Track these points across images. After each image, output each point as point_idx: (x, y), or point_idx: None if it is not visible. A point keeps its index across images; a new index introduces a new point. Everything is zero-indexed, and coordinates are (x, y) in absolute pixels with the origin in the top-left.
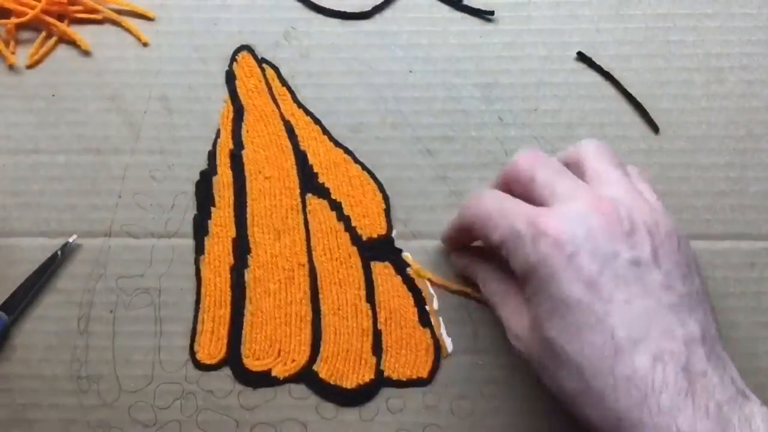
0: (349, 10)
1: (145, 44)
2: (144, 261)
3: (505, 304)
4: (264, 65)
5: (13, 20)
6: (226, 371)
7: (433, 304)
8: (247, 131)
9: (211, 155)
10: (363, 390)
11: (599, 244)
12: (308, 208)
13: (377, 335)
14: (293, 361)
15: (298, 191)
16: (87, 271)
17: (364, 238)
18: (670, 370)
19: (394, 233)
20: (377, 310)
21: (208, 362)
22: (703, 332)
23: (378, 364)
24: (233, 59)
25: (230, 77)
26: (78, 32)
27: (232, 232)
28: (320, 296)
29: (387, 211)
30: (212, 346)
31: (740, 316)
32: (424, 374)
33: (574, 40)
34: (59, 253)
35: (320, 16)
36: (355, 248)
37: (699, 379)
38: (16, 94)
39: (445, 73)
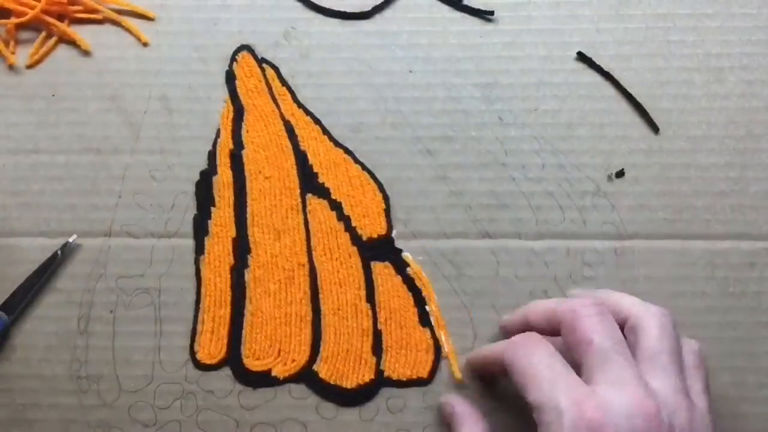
0: (349, 10)
1: (145, 44)
2: (144, 261)
3: None
4: (264, 65)
5: (13, 20)
6: (226, 371)
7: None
8: (247, 131)
9: (211, 155)
10: (363, 390)
11: None
12: (308, 208)
13: (377, 335)
14: (293, 361)
15: (298, 191)
16: (87, 271)
17: (364, 238)
18: None
19: (394, 233)
20: (377, 310)
21: (208, 362)
22: None
23: (378, 364)
24: (233, 59)
25: (230, 77)
26: (78, 32)
27: (232, 232)
28: (320, 296)
29: (387, 211)
30: (212, 346)
31: (740, 316)
32: (424, 374)
33: (574, 40)
34: (59, 252)
35: (320, 16)
36: (355, 248)
37: None
38: (16, 94)
39: (445, 73)
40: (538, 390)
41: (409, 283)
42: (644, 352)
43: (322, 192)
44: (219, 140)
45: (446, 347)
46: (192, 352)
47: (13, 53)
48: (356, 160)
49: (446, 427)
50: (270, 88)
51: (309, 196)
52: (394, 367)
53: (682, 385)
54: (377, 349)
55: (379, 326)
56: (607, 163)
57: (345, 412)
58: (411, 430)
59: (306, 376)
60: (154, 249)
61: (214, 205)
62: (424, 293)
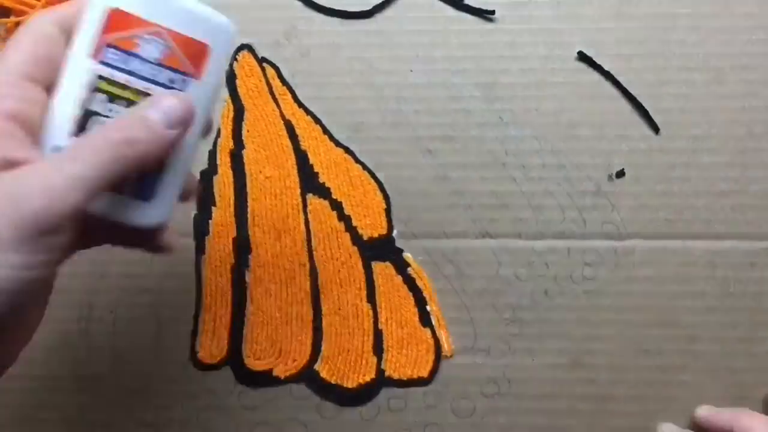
0: (349, 9)
1: None
2: (145, 261)
3: None
4: (264, 64)
5: (13, 19)
6: (227, 371)
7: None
8: (248, 131)
9: (212, 155)
10: (364, 389)
11: None
12: (309, 207)
13: (378, 335)
14: (294, 360)
15: (298, 191)
16: (87, 270)
17: (365, 237)
18: None
19: (394, 233)
20: (378, 309)
21: (209, 362)
22: None
23: (379, 363)
24: (234, 58)
25: (230, 76)
26: None
27: (233, 232)
28: (321, 296)
29: (388, 211)
30: (213, 346)
31: (740, 315)
32: (425, 374)
33: (575, 40)
34: None
35: (321, 16)
36: (355, 248)
37: None
38: None
39: (446, 73)
40: None
41: (410, 283)
42: None
43: (323, 192)
44: (219, 140)
45: (446, 347)
46: (193, 352)
47: None
48: (357, 160)
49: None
50: (270, 87)
51: (309, 195)
52: (394, 367)
53: None
54: (378, 348)
55: (380, 326)
56: (607, 162)
57: (346, 412)
58: (412, 429)
59: (307, 375)
60: None
61: (214, 205)
62: (424, 293)
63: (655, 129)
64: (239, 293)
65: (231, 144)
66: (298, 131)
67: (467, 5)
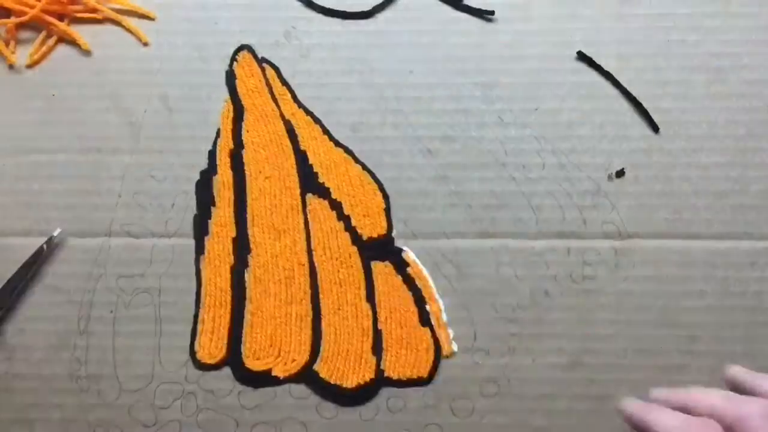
0: (349, 9)
1: (145, 44)
2: (144, 260)
3: None
4: (264, 65)
5: (13, 20)
6: (227, 371)
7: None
8: (247, 131)
9: (212, 155)
10: (363, 389)
11: None
12: (308, 207)
13: (377, 335)
14: (293, 360)
15: (298, 191)
16: (87, 270)
17: (365, 237)
18: None
19: (394, 233)
20: (377, 309)
21: (208, 362)
22: None
23: (378, 363)
24: (233, 59)
25: (230, 77)
26: (78, 32)
27: (233, 232)
28: (320, 296)
29: (387, 211)
30: (212, 346)
31: (740, 315)
32: (424, 374)
33: (575, 40)
34: (44, 246)
35: (320, 16)
36: (355, 248)
37: None
38: (16, 93)
39: (446, 73)
40: None
41: (409, 282)
42: None
43: (323, 192)
44: (219, 140)
45: (446, 346)
46: (192, 352)
47: (13, 53)
48: (356, 160)
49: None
50: (270, 87)
51: (309, 195)
52: (394, 367)
53: None
54: (377, 348)
55: (379, 326)
56: (607, 162)
57: (345, 412)
58: (411, 429)
59: (306, 375)
60: (155, 249)
61: (214, 205)
62: (423, 293)
63: (655, 129)
64: (239, 293)
65: (231, 144)
66: (297, 131)
67: (467, 5)
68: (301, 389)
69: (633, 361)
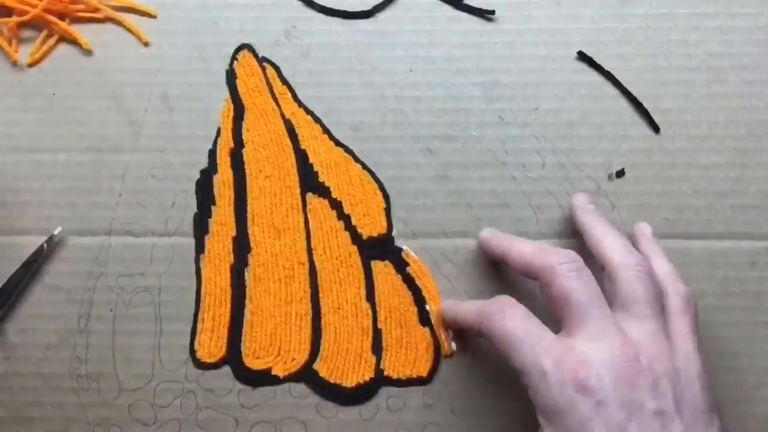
0: (349, 9)
1: (146, 43)
2: (144, 259)
3: None
4: (265, 64)
5: (15, 19)
6: (226, 370)
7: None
8: (248, 130)
9: (212, 154)
10: (363, 389)
11: (625, 392)
12: (308, 207)
13: (377, 334)
14: (293, 359)
15: (298, 190)
16: (87, 269)
17: (365, 237)
18: None
19: (394, 232)
20: (377, 309)
21: (208, 361)
22: None
23: (378, 363)
24: (234, 58)
25: (231, 76)
26: (79, 31)
27: (233, 231)
28: (320, 295)
29: (387, 210)
30: (212, 345)
31: (740, 315)
32: (424, 373)
33: (575, 40)
34: (44, 245)
35: (321, 15)
36: (355, 247)
37: None
38: (17, 92)
39: (446, 73)
40: (520, 354)
41: (409, 282)
42: (621, 301)
43: (323, 191)
44: (219, 139)
45: (446, 346)
46: (192, 351)
47: (16, 51)
48: (356, 159)
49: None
50: (270, 87)
51: (309, 195)
52: (393, 366)
53: (662, 330)
54: (377, 348)
55: (379, 325)
56: (607, 162)
57: (345, 411)
58: (411, 429)
59: (306, 375)
60: (155, 247)
61: (214, 204)
62: (423, 293)
63: (656, 129)
64: (239, 292)
65: (231, 143)
66: (298, 131)
67: (467, 5)
68: (300, 388)
69: None
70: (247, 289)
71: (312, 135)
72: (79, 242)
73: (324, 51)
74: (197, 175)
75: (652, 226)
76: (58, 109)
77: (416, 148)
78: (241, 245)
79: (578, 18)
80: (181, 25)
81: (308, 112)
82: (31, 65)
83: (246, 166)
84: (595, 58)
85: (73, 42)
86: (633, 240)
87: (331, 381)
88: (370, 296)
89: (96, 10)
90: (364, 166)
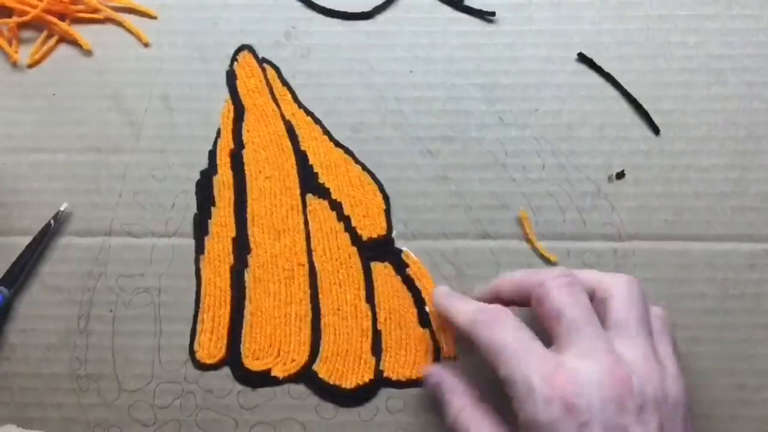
0: (350, 10)
1: (146, 44)
2: (144, 260)
3: None
4: (265, 65)
5: (15, 19)
6: (226, 371)
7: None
8: (248, 131)
9: (212, 155)
10: (362, 390)
11: (611, 416)
12: (308, 208)
13: (377, 335)
14: (293, 360)
15: (298, 191)
16: (87, 270)
17: (364, 238)
18: None
19: (394, 233)
20: (377, 310)
21: (207, 362)
22: None
23: (377, 364)
24: (234, 59)
25: (231, 77)
26: (79, 31)
27: (232, 232)
28: (320, 296)
29: (387, 212)
30: (212, 346)
31: (740, 317)
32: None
33: (575, 41)
34: (52, 222)
35: (321, 16)
36: (355, 248)
37: None
38: (17, 92)
39: (446, 74)
40: (508, 366)
41: (409, 283)
42: (613, 320)
43: (323, 192)
44: (219, 140)
45: (445, 348)
46: (191, 352)
47: (16, 52)
48: (356, 161)
49: (432, 400)
50: (271, 87)
51: (309, 196)
52: (393, 368)
53: (652, 351)
54: (377, 349)
55: (379, 326)
56: (607, 164)
57: (344, 412)
58: (410, 430)
59: (305, 376)
60: (154, 248)
61: (214, 205)
62: (423, 294)
63: (656, 130)
64: (238, 293)
65: (231, 144)
66: (298, 131)
67: (468, 6)
68: (300, 389)
69: None
70: (247, 290)
71: (312, 136)
72: (79, 242)
73: (324, 52)
74: (197, 176)
75: (652, 228)
76: (58, 110)
77: (416, 149)
78: (241, 246)
79: (578, 19)
80: (181, 26)
81: (308, 113)
82: (31, 66)
83: (246, 167)
84: (595, 60)
85: (73, 42)
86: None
87: (331, 382)
88: (370, 297)
89: (96, 10)
90: (364, 168)
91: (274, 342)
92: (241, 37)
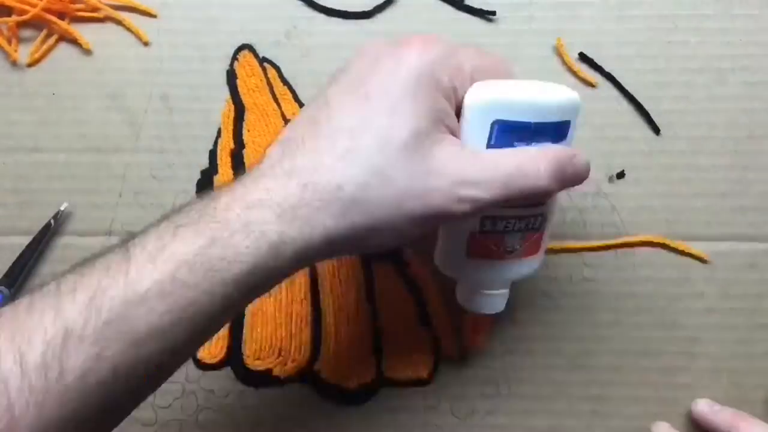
0: (350, 9)
1: (146, 43)
2: None
3: None
4: (265, 64)
5: (15, 18)
6: (227, 371)
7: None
8: (248, 130)
9: (212, 154)
10: (363, 390)
11: None
12: None
13: (377, 335)
14: (294, 361)
15: None
16: None
17: None
18: None
19: None
20: (378, 310)
21: (209, 362)
22: None
23: (378, 364)
24: (234, 58)
25: (231, 76)
26: (79, 31)
27: None
28: (321, 296)
29: None
30: (213, 346)
31: (740, 317)
32: (424, 374)
33: (575, 41)
34: (52, 222)
35: (321, 16)
36: None
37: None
38: (17, 92)
39: None
40: None
41: (410, 283)
42: None
43: None
44: (220, 139)
45: (449, 348)
46: None
47: (15, 51)
48: None
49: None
50: (271, 87)
51: None
52: (394, 367)
53: None
54: (377, 349)
55: (379, 326)
56: (607, 164)
57: (345, 412)
58: (411, 430)
59: (307, 375)
60: None
61: None
62: (424, 294)
63: (656, 130)
64: None
65: (232, 144)
66: None
67: (468, 6)
68: (301, 389)
69: (633, 363)
70: None
71: None
72: (79, 242)
73: (324, 51)
74: (197, 176)
75: (652, 228)
76: (58, 109)
77: None
78: None
79: (579, 19)
80: (181, 25)
81: None
82: (31, 65)
83: (246, 167)
84: (596, 59)
85: (73, 42)
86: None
87: (332, 382)
88: (371, 297)
89: (96, 9)
90: None
91: (275, 342)
92: (241, 36)
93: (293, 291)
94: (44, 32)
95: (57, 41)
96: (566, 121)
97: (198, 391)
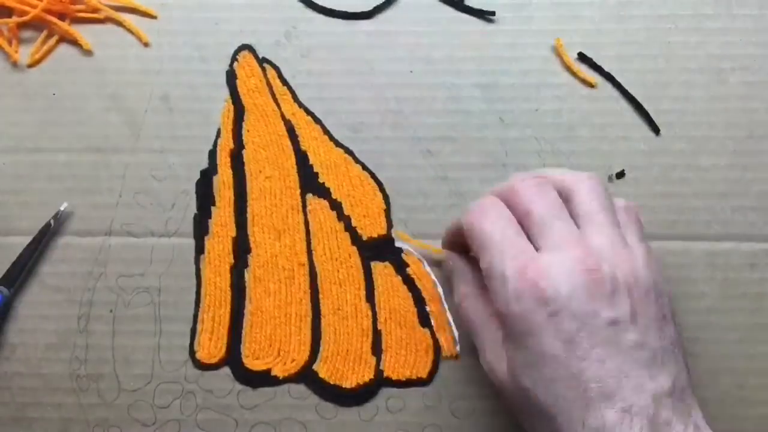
0: (350, 9)
1: (146, 44)
2: (144, 260)
3: (485, 332)
4: (265, 65)
5: (15, 19)
6: (226, 371)
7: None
8: (248, 131)
9: (212, 154)
10: (363, 390)
11: (581, 303)
12: (308, 207)
13: (377, 335)
14: (293, 360)
15: (298, 191)
16: (87, 269)
17: (365, 237)
18: (636, 422)
19: (393, 233)
20: (377, 310)
21: (207, 362)
22: (673, 383)
23: (378, 364)
24: (234, 58)
25: (231, 77)
26: (79, 31)
27: (233, 232)
28: (320, 296)
29: (387, 211)
30: (212, 346)
31: (740, 317)
32: (424, 374)
33: (575, 41)
34: (52, 222)
35: (321, 16)
36: (355, 248)
37: (663, 429)
38: (17, 92)
39: (446, 74)
40: (490, 257)
41: (409, 283)
42: (580, 213)
43: (323, 192)
44: (219, 140)
45: (446, 347)
46: (192, 352)
47: (16, 52)
48: (357, 160)
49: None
50: (271, 87)
51: (309, 195)
52: (393, 367)
53: (620, 238)
54: (377, 349)
55: (379, 326)
56: (607, 164)
57: (344, 412)
58: (411, 430)
59: (306, 375)
60: (155, 248)
61: (214, 205)
62: (423, 293)
63: (656, 130)
64: (238, 293)
65: (231, 144)
66: (298, 131)
67: (468, 6)
68: (300, 389)
69: None
70: (247, 289)
71: (312, 136)
72: (79, 242)
73: (324, 52)
74: (197, 176)
75: (652, 227)
76: (58, 109)
77: (416, 149)
78: (241, 246)
79: (579, 19)
80: (181, 26)
81: (308, 112)
82: (31, 65)
83: (246, 167)
84: (595, 59)
85: (74, 42)
86: None
87: (331, 382)
88: (370, 297)
89: (96, 10)
90: (364, 167)
91: (275, 342)
92: (241, 36)
93: (292, 290)
94: (44, 33)
95: (57, 42)
96: None
97: (197, 391)
